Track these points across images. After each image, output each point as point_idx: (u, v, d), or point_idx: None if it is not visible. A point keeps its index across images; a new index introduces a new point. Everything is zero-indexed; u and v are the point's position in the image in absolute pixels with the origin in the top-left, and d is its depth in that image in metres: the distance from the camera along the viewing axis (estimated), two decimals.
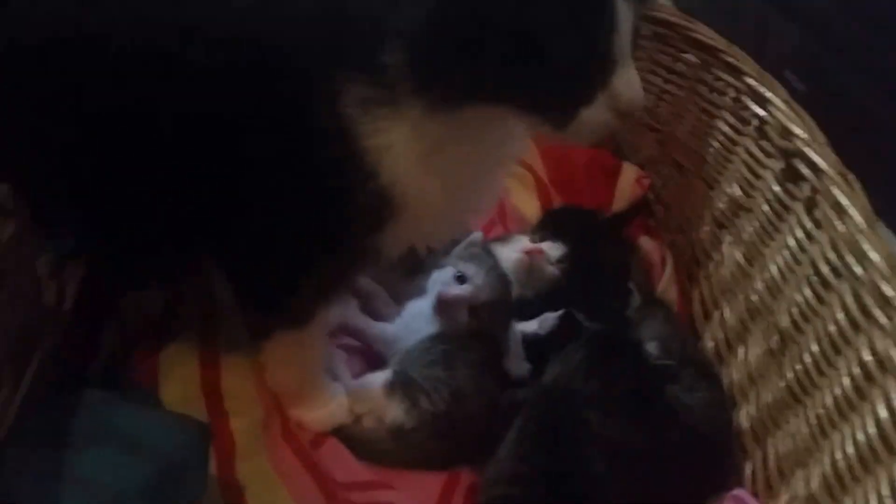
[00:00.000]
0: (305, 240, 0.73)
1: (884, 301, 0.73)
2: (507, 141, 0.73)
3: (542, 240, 1.02)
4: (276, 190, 0.70)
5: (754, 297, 0.95)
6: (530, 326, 0.96)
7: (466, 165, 0.70)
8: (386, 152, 0.67)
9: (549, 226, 1.08)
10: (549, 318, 0.95)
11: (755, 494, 0.87)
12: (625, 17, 0.58)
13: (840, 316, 0.78)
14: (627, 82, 0.60)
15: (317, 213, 0.70)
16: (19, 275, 0.66)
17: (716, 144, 1.07)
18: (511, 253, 1.00)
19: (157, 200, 0.73)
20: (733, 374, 0.96)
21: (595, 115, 0.61)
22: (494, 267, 0.95)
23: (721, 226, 1.05)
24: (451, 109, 0.63)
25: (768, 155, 0.96)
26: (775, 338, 0.89)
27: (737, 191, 1.02)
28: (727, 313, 1.00)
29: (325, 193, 0.69)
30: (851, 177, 0.84)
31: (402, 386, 0.87)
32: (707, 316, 1.06)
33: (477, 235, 0.97)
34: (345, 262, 0.77)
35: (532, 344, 0.94)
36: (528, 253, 0.99)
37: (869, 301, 0.75)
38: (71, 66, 0.69)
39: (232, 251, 0.77)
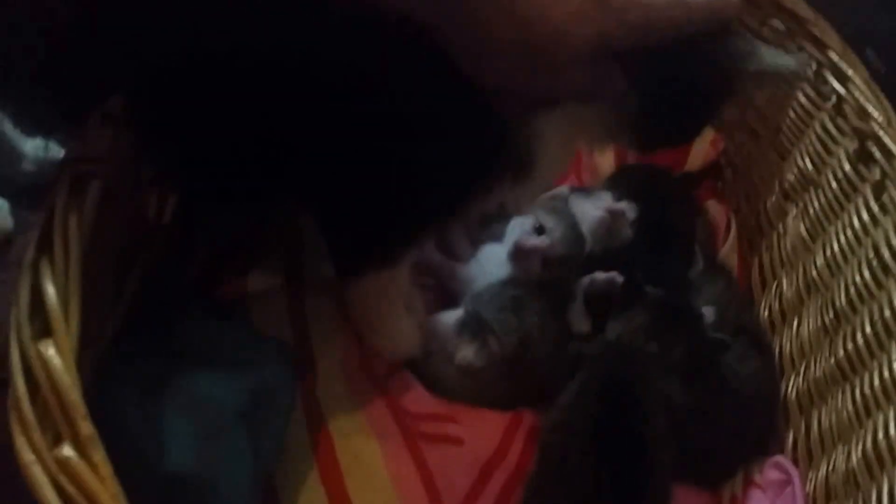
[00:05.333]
0: (422, 200, 0.77)
1: None
2: None
3: (618, 197, 1.04)
4: (408, 152, 0.73)
5: (813, 273, 0.97)
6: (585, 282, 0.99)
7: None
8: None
9: (622, 182, 1.10)
10: (597, 280, 0.96)
11: (795, 463, 0.91)
12: None
13: None
14: None
15: (445, 178, 0.75)
16: (129, 189, 0.69)
17: (792, 116, 1.07)
18: (593, 209, 1.02)
19: (271, 140, 0.75)
20: (785, 344, 0.99)
21: None
22: (573, 224, 0.99)
23: (788, 197, 1.07)
24: None
25: (843, 133, 0.97)
26: (830, 315, 0.91)
27: (808, 164, 1.03)
28: (785, 285, 1.03)
29: (462, 162, 0.74)
30: None
31: (473, 326, 0.91)
32: (765, 285, 1.09)
33: (563, 190, 1.01)
34: (451, 219, 0.82)
35: (593, 301, 0.96)
36: (611, 212, 1.01)
37: None
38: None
39: (340, 201, 0.80)
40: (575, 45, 0.64)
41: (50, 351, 0.46)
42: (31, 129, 0.99)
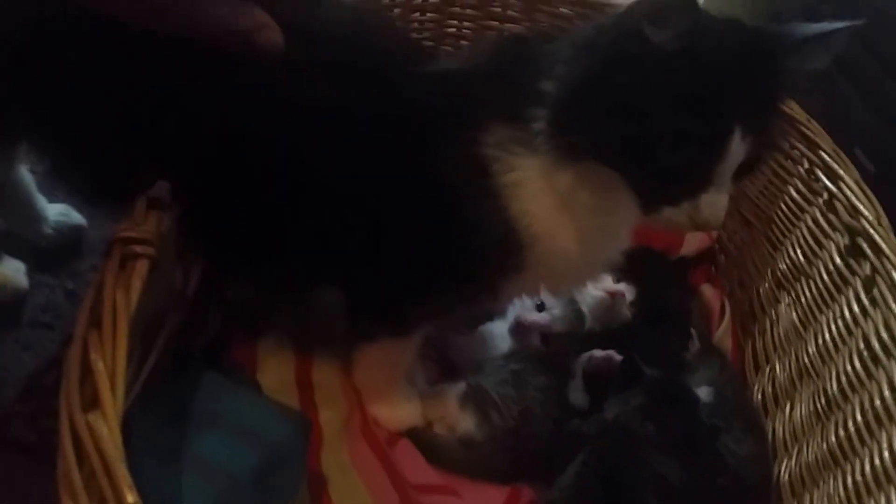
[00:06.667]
0: (433, 269, 0.79)
1: None
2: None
3: (618, 279, 1.07)
4: (410, 221, 0.77)
5: (805, 360, 1.00)
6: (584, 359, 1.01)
7: (596, 215, 0.75)
8: (518, 188, 0.74)
9: (622, 264, 1.13)
10: (595, 357, 0.99)
11: None
12: (735, 152, 0.66)
13: (886, 392, 0.84)
14: (712, 204, 0.68)
15: (447, 244, 0.77)
16: (164, 261, 0.71)
17: (784, 208, 1.11)
18: (593, 290, 1.05)
19: (292, 219, 0.79)
20: (778, 428, 1.01)
21: (674, 216, 0.69)
22: (572, 301, 1.03)
23: (780, 286, 1.10)
24: (574, 160, 0.71)
25: (834, 228, 1.00)
26: (822, 401, 0.94)
27: (800, 256, 1.06)
28: (778, 370, 1.06)
29: (457, 226, 0.76)
30: None
31: (475, 399, 0.94)
32: (758, 368, 1.11)
33: None
34: (468, 295, 0.84)
35: (592, 378, 0.99)
36: (611, 293, 1.05)
37: None
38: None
39: (356, 271, 0.84)
40: None
41: (98, 422, 0.49)
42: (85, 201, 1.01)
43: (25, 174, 1.11)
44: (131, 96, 0.73)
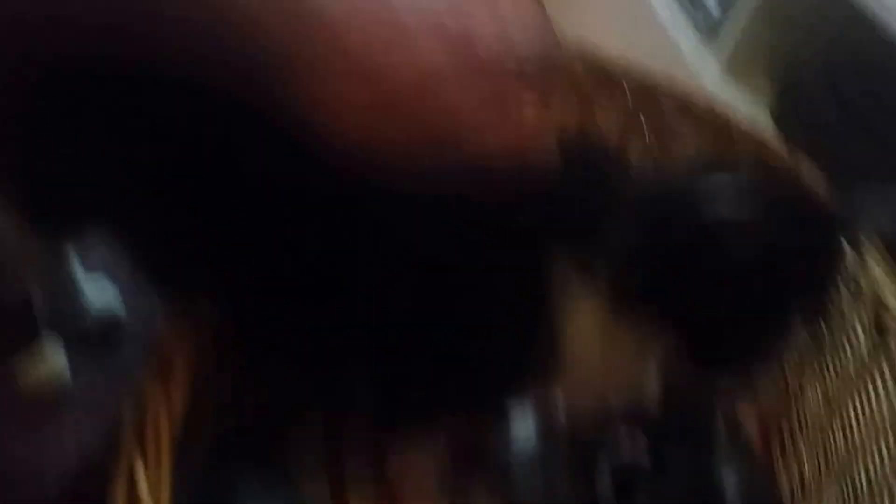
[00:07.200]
0: (475, 378, 0.79)
1: None
2: None
3: None
4: (468, 332, 0.75)
5: (832, 449, 0.98)
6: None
7: (638, 361, 0.79)
8: (573, 315, 0.75)
9: None
10: (622, 445, 0.96)
11: None
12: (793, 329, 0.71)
13: None
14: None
15: (497, 354, 0.76)
16: (204, 367, 0.72)
17: None
18: None
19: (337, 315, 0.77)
20: None
21: None
22: None
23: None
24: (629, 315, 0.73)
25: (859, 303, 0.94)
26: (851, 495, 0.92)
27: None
28: (805, 456, 1.03)
29: (512, 340, 0.75)
30: None
31: (499, 487, 0.93)
32: (784, 454, 1.08)
33: None
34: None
35: (618, 468, 0.97)
36: None
37: None
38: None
39: (393, 368, 0.83)
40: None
41: None
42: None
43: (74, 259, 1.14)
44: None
